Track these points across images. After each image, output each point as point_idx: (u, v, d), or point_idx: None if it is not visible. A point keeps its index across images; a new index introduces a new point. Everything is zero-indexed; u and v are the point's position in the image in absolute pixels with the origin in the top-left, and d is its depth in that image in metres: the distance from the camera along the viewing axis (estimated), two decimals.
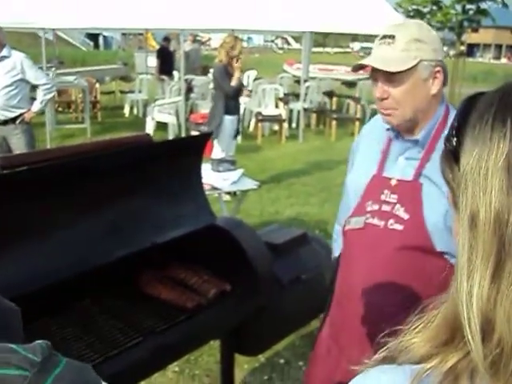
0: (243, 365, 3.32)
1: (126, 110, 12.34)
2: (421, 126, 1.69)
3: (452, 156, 0.68)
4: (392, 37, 1.62)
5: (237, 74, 6.30)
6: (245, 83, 13.49)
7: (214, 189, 4.40)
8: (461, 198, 0.63)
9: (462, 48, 17.82)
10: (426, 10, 13.22)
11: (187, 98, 11.16)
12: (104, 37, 30.43)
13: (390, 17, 10.02)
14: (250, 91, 11.07)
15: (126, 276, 2.26)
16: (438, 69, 1.63)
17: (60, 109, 11.99)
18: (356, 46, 41.35)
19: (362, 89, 12.46)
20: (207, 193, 4.39)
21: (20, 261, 1.85)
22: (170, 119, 9.82)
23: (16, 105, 5.42)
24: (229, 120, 6.39)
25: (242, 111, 10.01)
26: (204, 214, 2.41)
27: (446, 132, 1.63)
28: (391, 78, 1.61)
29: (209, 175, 4.38)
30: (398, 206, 1.69)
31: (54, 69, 11.89)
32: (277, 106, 10.94)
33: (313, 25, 10.02)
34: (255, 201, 6.41)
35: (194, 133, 8.59)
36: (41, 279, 1.85)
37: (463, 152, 0.64)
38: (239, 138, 9.71)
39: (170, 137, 9.70)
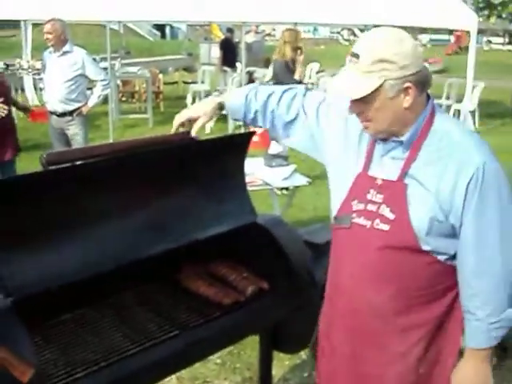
0: (284, 361, 3.35)
1: (189, 101, 12.50)
2: (402, 131, 1.68)
3: None
4: (357, 56, 1.61)
5: (299, 68, 6.30)
6: (307, 76, 13.45)
7: (266, 184, 4.43)
8: None
9: None
10: (497, 1, 12.74)
11: None
12: (171, 27, 30.91)
13: (457, 9, 9.73)
14: (312, 84, 11.03)
15: (167, 271, 2.32)
16: (407, 85, 1.59)
17: (124, 99, 12.30)
18: (425, 38, 40.30)
19: None
20: (259, 188, 4.43)
21: (67, 253, 1.93)
22: None
23: (75, 98, 5.66)
24: None
25: None
26: (246, 212, 2.43)
27: (430, 132, 1.64)
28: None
29: (261, 170, 4.42)
30: (383, 206, 1.70)
31: (119, 59, 12.22)
32: None
33: (377, 18, 9.83)
34: (309, 195, 6.40)
35: None
36: (86, 270, 1.93)
37: None
38: None
39: (230, 128, 9.81)
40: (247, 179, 4.23)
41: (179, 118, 2.04)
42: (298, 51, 6.17)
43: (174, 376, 3.17)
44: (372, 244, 1.71)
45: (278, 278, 2.27)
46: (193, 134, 2.04)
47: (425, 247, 1.66)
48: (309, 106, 1.95)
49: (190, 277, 2.32)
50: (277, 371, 3.25)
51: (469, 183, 1.60)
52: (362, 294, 1.77)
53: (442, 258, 1.70)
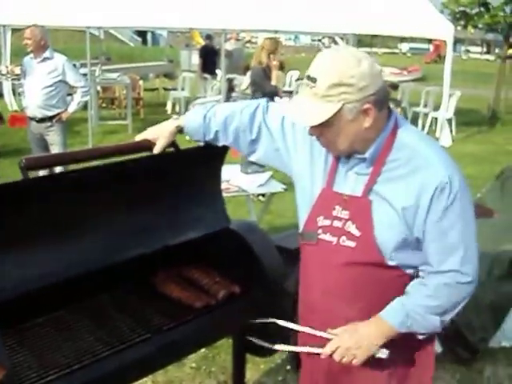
0: (260, 365, 3.40)
1: (169, 108, 12.55)
2: (364, 149, 1.66)
3: None
4: (314, 80, 1.57)
5: (274, 73, 6.37)
6: (287, 84, 13.55)
7: (243, 190, 4.48)
8: None
9: None
10: (473, 11, 12.96)
11: (229, 97, 11.29)
12: (152, 33, 30.90)
13: (434, 19, 9.90)
14: (291, 92, 11.13)
15: (143, 275, 2.36)
16: (366, 106, 1.57)
17: (104, 105, 12.29)
18: (404, 46, 40.80)
19: (405, 91, 12.34)
20: (235, 194, 4.48)
21: (42, 256, 1.96)
22: None
23: (55, 104, 5.68)
24: None
25: None
26: (220, 218, 2.47)
27: (394, 147, 1.64)
28: None
29: (237, 177, 4.47)
30: (349, 222, 1.69)
31: (99, 65, 12.21)
32: None
33: (356, 27, 9.97)
34: (287, 202, 6.44)
35: None
36: (61, 274, 1.96)
37: None
38: None
39: None
40: (223, 186, 4.30)
41: (138, 137, 2.08)
42: (271, 56, 6.24)
43: (149, 380, 3.20)
44: (339, 261, 1.71)
45: (249, 283, 2.32)
46: (154, 151, 2.07)
47: (391, 263, 1.67)
48: (272, 119, 1.93)
49: (165, 281, 2.35)
50: (252, 375, 3.30)
51: (432, 198, 1.59)
52: (332, 309, 1.78)
53: (409, 271, 1.71)
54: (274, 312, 2.33)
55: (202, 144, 2.16)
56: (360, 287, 1.71)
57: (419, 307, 1.68)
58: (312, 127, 1.65)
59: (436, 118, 10.77)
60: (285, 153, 1.91)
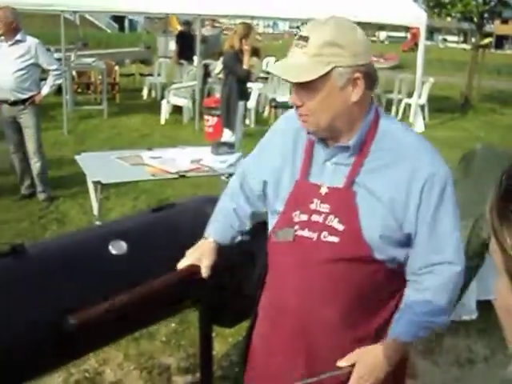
0: (228, 338, 3.50)
1: (145, 93, 12.55)
2: (348, 133, 1.56)
3: None
4: (306, 39, 1.46)
5: (246, 57, 6.43)
6: (264, 70, 13.59)
7: (213, 171, 4.56)
8: None
9: (489, 40, 17.63)
10: (447, 0, 13.12)
11: (205, 83, 11.34)
12: (129, 19, 30.69)
13: (407, 7, 10.02)
14: (266, 78, 11.19)
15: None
16: (357, 75, 1.47)
17: (79, 90, 12.24)
18: (382, 35, 41.06)
19: (380, 77, 12.47)
20: (205, 174, 4.56)
21: None
22: (185, 103, 10.03)
23: (27, 87, 5.69)
24: (239, 105, 6.57)
25: (257, 97, 10.20)
26: None
27: (377, 136, 1.59)
28: (303, 85, 1.48)
29: (208, 158, 4.54)
30: (331, 216, 1.57)
31: (75, 50, 12.15)
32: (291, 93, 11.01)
33: (332, 14, 9.99)
34: None
35: (207, 117, 8.78)
36: None
37: None
38: (252, 122, 9.92)
39: (185, 119, 9.95)
40: (194, 166, 4.38)
41: (180, 265, 1.92)
42: (243, 41, 6.31)
43: (121, 353, 3.30)
44: (321, 257, 1.58)
45: None
46: (203, 275, 1.90)
47: (378, 256, 1.57)
48: (249, 172, 1.86)
49: None
50: (220, 348, 3.40)
51: (422, 190, 1.53)
52: (311, 310, 1.65)
53: (391, 265, 1.61)
54: (232, 281, 2.43)
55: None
56: (341, 284, 1.60)
57: (425, 315, 1.60)
58: (296, 93, 1.52)
59: (409, 105, 10.94)
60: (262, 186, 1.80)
